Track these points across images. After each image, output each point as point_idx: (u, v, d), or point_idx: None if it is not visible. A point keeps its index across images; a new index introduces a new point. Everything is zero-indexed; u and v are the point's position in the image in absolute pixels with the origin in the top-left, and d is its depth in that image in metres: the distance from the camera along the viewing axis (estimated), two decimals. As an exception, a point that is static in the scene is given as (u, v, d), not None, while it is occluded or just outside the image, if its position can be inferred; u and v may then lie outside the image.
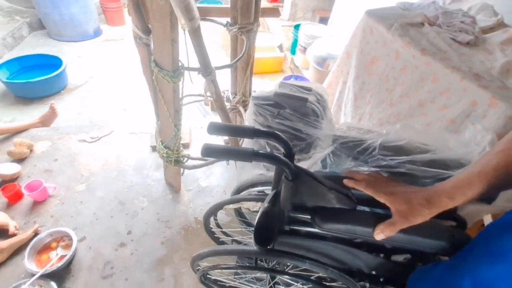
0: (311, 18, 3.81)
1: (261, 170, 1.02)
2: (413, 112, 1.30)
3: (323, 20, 3.39)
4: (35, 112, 2.11)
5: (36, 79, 2.26)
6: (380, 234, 0.55)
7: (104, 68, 2.87)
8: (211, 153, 0.55)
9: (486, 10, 1.45)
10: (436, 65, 1.18)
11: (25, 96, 2.34)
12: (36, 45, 3.05)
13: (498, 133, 1.00)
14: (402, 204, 0.53)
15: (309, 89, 0.91)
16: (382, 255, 0.75)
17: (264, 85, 2.89)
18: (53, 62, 2.49)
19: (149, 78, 1.47)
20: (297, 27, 3.11)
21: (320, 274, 0.83)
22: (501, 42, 1.29)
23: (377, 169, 0.73)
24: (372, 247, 0.74)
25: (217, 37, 3.51)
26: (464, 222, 0.76)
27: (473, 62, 1.16)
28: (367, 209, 0.72)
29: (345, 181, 0.65)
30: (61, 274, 1.27)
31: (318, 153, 0.80)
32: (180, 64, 1.09)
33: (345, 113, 1.74)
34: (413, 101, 1.29)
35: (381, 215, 0.71)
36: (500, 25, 1.38)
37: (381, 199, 0.57)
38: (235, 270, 1.05)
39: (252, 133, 0.61)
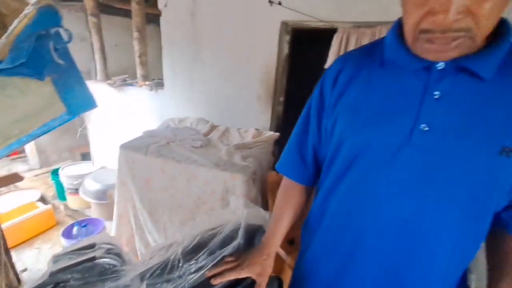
0: (71, 157, 3.61)
1: None
2: (198, 204, 1.62)
3: (86, 156, 3.33)
4: None
5: None
6: None
7: None
8: None
9: (200, 121, 2.19)
10: (190, 168, 1.59)
11: None
12: None
13: (246, 195, 1.51)
14: (257, 268, 0.71)
15: (92, 245, 0.89)
16: None
17: (39, 254, 2.24)
18: None
19: None
20: (55, 171, 2.83)
21: None
22: (218, 137, 1.99)
23: (193, 275, 0.85)
24: None
25: None
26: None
27: (210, 157, 1.69)
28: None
29: (212, 281, 0.72)
30: None
31: (134, 302, 0.79)
32: None
33: (150, 231, 1.78)
34: (193, 197, 1.62)
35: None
36: (213, 127, 2.14)
37: (243, 274, 0.71)
38: None
39: None
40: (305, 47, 2.65)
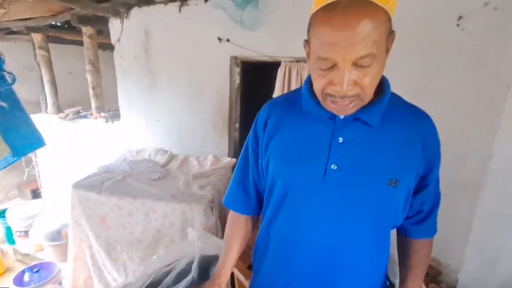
0: (20, 195, 3.34)
1: None
2: (157, 238, 1.61)
3: (37, 193, 3.11)
4: None
5: None
6: None
7: None
8: None
9: (159, 151, 2.19)
10: (148, 202, 1.60)
11: None
12: None
13: (204, 224, 1.55)
14: None
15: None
16: None
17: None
18: None
19: None
20: (2, 213, 2.61)
21: None
22: (178, 166, 2.01)
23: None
24: None
25: None
26: None
27: (169, 188, 1.70)
28: None
29: None
30: None
31: None
32: None
33: (109, 271, 1.72)
34: (152, 232, 1.61)
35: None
36: (172, 157, 2.16)
37: None
38: None
39: None
40: (257, 75, 2.82)
